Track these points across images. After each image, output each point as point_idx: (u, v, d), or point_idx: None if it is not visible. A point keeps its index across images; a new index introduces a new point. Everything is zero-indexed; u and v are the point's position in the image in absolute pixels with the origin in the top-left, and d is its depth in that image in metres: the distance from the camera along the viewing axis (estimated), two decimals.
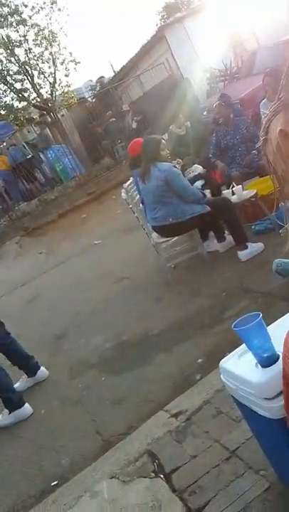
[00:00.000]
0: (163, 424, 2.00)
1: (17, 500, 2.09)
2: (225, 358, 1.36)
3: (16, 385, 2.87)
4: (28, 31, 12.30)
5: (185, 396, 2.12)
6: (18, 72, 12.57)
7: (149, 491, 1.61)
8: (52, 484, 2.08)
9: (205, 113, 6.80)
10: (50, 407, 2.76)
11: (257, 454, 1.44)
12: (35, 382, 3.03)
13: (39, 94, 12.84)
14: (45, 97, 12.92)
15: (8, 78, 12.54)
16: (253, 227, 3.71)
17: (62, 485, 2.02)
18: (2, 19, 11.94)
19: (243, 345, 1.29)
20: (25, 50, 12.37)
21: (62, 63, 12.90)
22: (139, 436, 2.03)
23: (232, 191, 3.70)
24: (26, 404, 2.70)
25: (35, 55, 12.54)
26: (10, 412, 2.67)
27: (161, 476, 1.66)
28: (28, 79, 12.54)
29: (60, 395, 2.86)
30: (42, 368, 3.03)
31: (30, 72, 12.50)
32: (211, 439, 1.73)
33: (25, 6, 12.08)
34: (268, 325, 1.21)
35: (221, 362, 1.36)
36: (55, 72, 12.79)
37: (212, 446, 1.69)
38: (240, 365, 1.28)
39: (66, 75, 13.18)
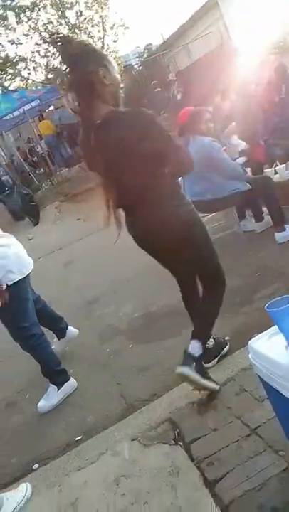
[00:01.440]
0: (186, 395, 2.05)
1: (43, 450, 2.22)
2: (254, 338, 1.36)
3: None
4: None
5: (210, 371, 2.14)
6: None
7: (167, 457, 1.67)
8: (76, 439, 2.20)
9: (254, 87, 6.51)
10: (78, 367, 2.87)
11: (277, 434, 1.45)
12: (67, 342, 3.13)
13: None
14: None
15: None
16: None
17: (86, 441, 2.13)
18: None
19: (274, 327, 1.28)
20: (77, 12, 12.17)
21: (111, 28, 12.64)
22: (162, 404, 2.09)
23: (274, 170, 3.57)
24: (72, 378, 2.66)
25: (85, 18, 12.32)
26: (58, 389, 2.56)
27: (181, 444, 1.71)
28: None
29: (89, 357, 2.97)
30: (70, 328, 3.09)
31: (79, 35, 12.34)
32: (233, 415, 1.75)
33: None
34: None
35: (250, 341, 1.36)
36: (103, 37, 12.57)
37: (233, 422, 1.71)
38: (269, 347, 1.27)
39: (114, 41, 12.98)
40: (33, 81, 15.86)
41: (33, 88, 15.36)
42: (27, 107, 10.61)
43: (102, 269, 4.61)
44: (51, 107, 11.35)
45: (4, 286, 2.35)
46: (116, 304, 3.63)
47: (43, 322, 2.92)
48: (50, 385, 2.57)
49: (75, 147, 10.42)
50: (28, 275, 2.55)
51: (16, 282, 2.41)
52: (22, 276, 2.45)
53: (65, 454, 2.09)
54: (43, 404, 2.53)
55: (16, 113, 10.71)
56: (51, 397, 2.54)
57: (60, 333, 3.09)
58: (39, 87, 14.36)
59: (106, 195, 1.80)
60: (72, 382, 2.61)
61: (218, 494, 1.40)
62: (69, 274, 4.97)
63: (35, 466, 2.11)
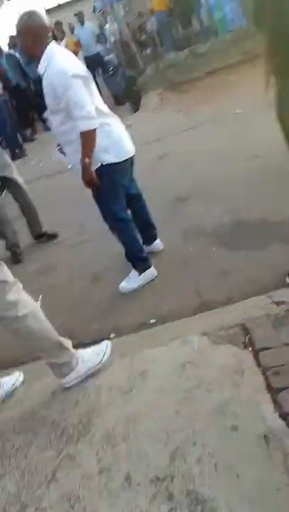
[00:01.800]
0: (263, 307, 2.05)
1: (120, 324, 2.45)
2: None
3: None
4: None
5: None
6: None
7: (235, 357, 1.74)
8: (150, 321, 2.37)
9: None
10: (160, 260, 2.96)
11: None
12: (150, 251, 3.10)
13: None
14: None
15: None
16: None
17: (159, 325, 2.30)
18: None
19: None
20: None
21: None
22: (237, 309, 2.12)
23: None
24: (152, 266, 2.75)
25: None
26: (139, 274, 2.69)
27: (250, 349, 1.76)
28: None
29: (171, 252, 3.03)
30: (157, 241, 3.05)
31: None
32: None
33: None
34: None
35: None
36: None
37: None
38: None
39: None
40: None
41: None
42: None
43: (194, 168, 4.45)
44: None
45: (98, 165, 2.39)
46: (205, 205, 3.55)
47: (136, 222, 2.92)
48: (133, 269, 2.71)
49: (188, 27, 9.46)
50: (127, 162, 2.54)
51: (110, 164, 2.42)
52: (117, 160, 2.45)
53: (138, 332, 2.29)
54: (124, 285, 2.71)
55: None
56: (132, 280, 2.71)
57: (148, 240, 3.08)
58: None
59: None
60: (152, 271, 2.73)
61: (279, 402, 1.46)
62: (162, 168, 4.89)
63: (112, 335, 2.35)
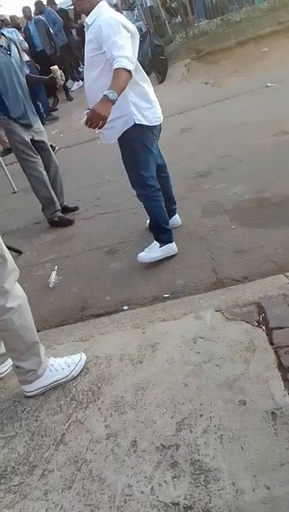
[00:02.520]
0: (280, 286, 2.01)
1: (133, 297, 2.46)
2: None
3: None
4: None
5: None
6: None
7: (247, 335, 1.73)
8: (164, 296, 2.37)
9: None
10: (177, 234, 2.92)
11: None
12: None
13: None
14: None
15: None
16: None
17: (172, 299, 2.29)
18: None
19: None
20: None
21: None
22: (253, 288, 2.09)
23: None
24: (174, 242, 2.71)
25: None
26: (160, 246, 2.66)
27: (263, 328, 1.74)
28: None
29: (189, 227, 3.00)
30: (176, 216, 3.01)
31: None
32: None
33: None
34: None
35: None
36: None
37: None
38: None
39: None
40: None
41: None
42: None
43: (218, 142, 4.33)
44: None
45: (131, 124, 2.33)
46: (227, 181, 3.47)
47: None
48: (154, 241, 2.69)
49: None
50: (157, 128, 2.49)
51: (142, 125, 2.37)
52: (149, 124, 2.40)
53: (152, 305, 2.29)
54: (143, 255, 2.69)
55: None
56: (152, 251, 2.69)
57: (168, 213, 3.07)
58: None
59: None
60: (173, 246, 2.70)
61: None
62: (184, 141, 4.78)
63: (126, 307, 2.37)
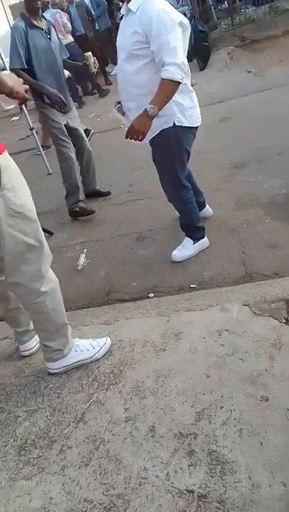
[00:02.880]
0: None
1: (160, 285, 2.46)
2: None
3: None
4: None
5: None
6: None
7: (274, 331, 1.70)
8: (191, 286, 2.36)
9: None
10: (208, 225, 2.88)
11: None
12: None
13: None
14: None
15: None
16: None
17: (199, 290, 2.28)
18: None
19: None
20: None
21: None
22: (283, 284, 2.05)
23: None
24: (206, 236, 2.66)
25: None
26: (194, 243, 2.61)
27: None
28: None
29: (221, 219, 2.95)
30: (207, 207, 2.94)
31: None
32: None
33: None
34: None
35: None
36: None
37: None
38: None
39: None
40: None
41: None
42: None
43: (257, 133, 4.22)
44: None
45: (171, 124, 2.22)
46: (264, 175, 3.39)
47: None
48: (186, 237, 2.64)
49: None
50: (195, 129, 2.39)
51: (182, 126, 2.26)
52: (190, 125, 2.30)
53: (178, 294, 2.28)
54: (177, 253, 2.61)
55: None
56: (186, 248, 2.62)
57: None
58: None
59: None
60: (206, 241, 2.65)
61: None
62: (223, 131, 4.69)
63: (151, 295, 2.37)
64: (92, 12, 8.41)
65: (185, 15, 9.48)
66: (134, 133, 2.06)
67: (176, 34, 2.00)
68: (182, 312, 2.00)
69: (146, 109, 1.99)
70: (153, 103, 2.00)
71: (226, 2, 9.40)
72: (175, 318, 1.97)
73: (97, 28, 8.65)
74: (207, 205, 2.95)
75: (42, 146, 5.13)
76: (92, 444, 1.47)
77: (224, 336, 1.75)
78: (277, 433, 1.31)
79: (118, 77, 2.33)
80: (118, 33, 2.27)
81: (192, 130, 2.35)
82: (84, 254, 2.99)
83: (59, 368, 1.82)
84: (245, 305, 1.91)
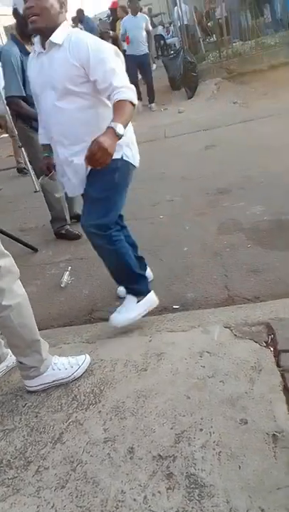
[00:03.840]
0: None
1: None
2: None
3: None
4: None
5: None
6: None
7: (255, 354, 1.72)
8: (173, 307, 2.37)
9: None
10: (192, 247, 2.95)
11: None
12: None
13: None
14: None
15: None
16: None
17: (182, 311, 2.29)
18: None
19: None
20: None
21: None
22: (264, 308, 2.09)
23: None
24: (152, 292, 2.18)
25: None
26: (139, 300, 2.13)
27: (272, 349, 1.73)
28: None
29: (204, 241, 3.01)
30: (148, 270, 2.45)
31: None
32: None
33: None
34: None
35: None
36: None
37: None
38: None
39: None
40: None
41: None
42: None
43: (242, 161, 4.36)
44: None
45: (119, 156, 1.92)
46: (247, 201, 3.48)
47: None
48: (128, 295, 2.17)
49: (258, 17, 9.14)
50: (134, 171, 2.09)
51: (129, 163, 2.01)
52: (133, 163, 2.04)
53: (160, 315, 2.29)
54: (117, 316, 2.10)
55: None
56: (128, 309, 2.13)
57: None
58: None
59: None
60: (154, 297, 2.17)
61: None
62: (208, 158, 4.82)
63: None
64: None
65: (175, 45, 9.89)
66: (102, 153, 1.59)
67: (118, 61, 1.81)
68: (164, 333, 2.01)
69: (111, 126, 1.64)
70: (117, 121, 1.66)
71: (214, 36, 9.81)
72: (157, 338, 1.97)
73: None
74: (148, 269, 2.42)
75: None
76: (69, 465, 1.44)
77: (205, 357, 1.76)
78: (255, 457, 1.31)
79: (49, 122, 2.00)
80: (32, 72, 2.01)
81: (133, 171, 2.07)
82: (68, 272, 2.98)
83: (37, 386, 1.79)
84: (226, 327, 1.93)
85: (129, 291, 2.16)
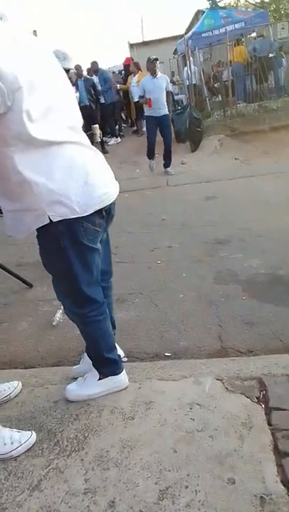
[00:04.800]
0: (284, 366, 1.97)
1: (134, 350, 2.42)
2: None
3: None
4: None
5: None
6: None
7: (246, 410, 1.68)
8: (165, 354, 2.34)
9: None
10: (187, 294, 2.95)
11: None
12: None
13: None
14: None
15: None
16: None
17: (174, 359, 2.26)
18: None
19: None
20: None
21: None
22: (257, 363, 2.06)
23: None
24: (124, 372, 1.91)
25: None
26: (100, 378, 1.87)
27: (263, 406, 1.69)
28: None
29: (200, 290, 3.02)
30: (118, 347, 2.02)
31: None
32: None
33: None
34: None
35: None
36: None
37: None
38: None
39: None
40: (247, 1, 14.72)
41: (243, 9, 14.33)
42: (230, 27, 9.98)
43: (240, 215, 4.47)
44: (253, 34, 10.52)
45: (46, 221, 1.47)
46: (244, 253, 3.54)
47: None
48: (92, 368, 1.91)
49: (262, 82, 9.71)
50: (102, 213, 1.57)
51: (68, 221, 1.48)
52: (81, 214, 1.48)
53: (151, 361, 2.25)
54: (73, 389, 1.90)
55: (216, 31, 10.21)
56: (87, 385, 1.89)
57: None
58: (249, 9, 13.30)
59: None
60: (121, 379, 1.90)
61: (284, 467, 1.38)
62: (208, 208, 4.94)
63: (125, 359, 2.32)
64: (99, 87, 9.26)
65: (182, 102, 10.42)
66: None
67: None
68: (155, 380, 1.97)
69: None
70: None
71: (220, 96, 10.36)
72: (147, 386, 1.93)
73: (102, 101, 9.49)
74: (118, 347, 2.00)
75: None
76: None
77: (195, 409, 1.72)
78: None
79: None
80: None
81: (92, 218, 1.53)
82: (61, 310, 2.95)
83: None
84: (218, 379, 1.90)
85: (94, 366, 1.90)
